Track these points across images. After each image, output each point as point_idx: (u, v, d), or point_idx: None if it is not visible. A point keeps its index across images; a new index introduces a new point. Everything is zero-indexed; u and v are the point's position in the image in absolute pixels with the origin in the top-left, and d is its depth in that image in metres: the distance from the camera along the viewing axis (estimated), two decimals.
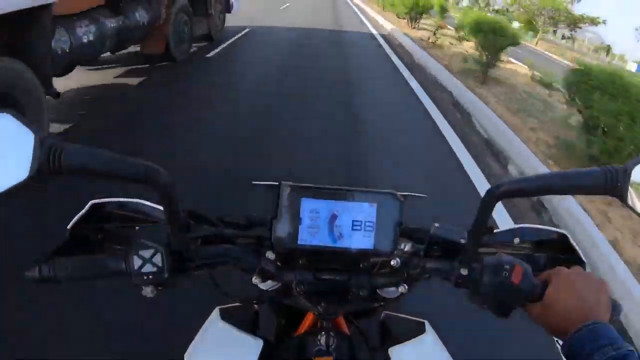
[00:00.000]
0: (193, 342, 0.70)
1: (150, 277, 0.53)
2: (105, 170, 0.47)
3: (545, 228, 0.68)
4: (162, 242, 0.53)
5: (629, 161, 0.49)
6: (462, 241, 0.57)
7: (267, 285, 0.65)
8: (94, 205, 0.65)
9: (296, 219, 0.60)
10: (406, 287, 0.62)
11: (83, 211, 0.64)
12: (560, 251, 0.67)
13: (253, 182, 0.72)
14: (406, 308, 0.79)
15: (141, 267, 0.52)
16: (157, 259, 0.52)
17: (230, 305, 0.76)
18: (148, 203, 0.66)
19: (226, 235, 0.64)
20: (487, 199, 0.51)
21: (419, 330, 0.75)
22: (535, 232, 0.68)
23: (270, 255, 0.61)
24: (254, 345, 0.68)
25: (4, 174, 0.43)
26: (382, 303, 0.68)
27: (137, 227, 0.56)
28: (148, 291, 0.55)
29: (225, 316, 0.74)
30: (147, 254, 0.52)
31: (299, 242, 0.60)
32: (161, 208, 0.54)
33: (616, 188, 0.48)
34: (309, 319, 0.72)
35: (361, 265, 0.64)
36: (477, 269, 0.56)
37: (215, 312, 0.75)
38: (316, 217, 0.60)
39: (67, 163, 0.44)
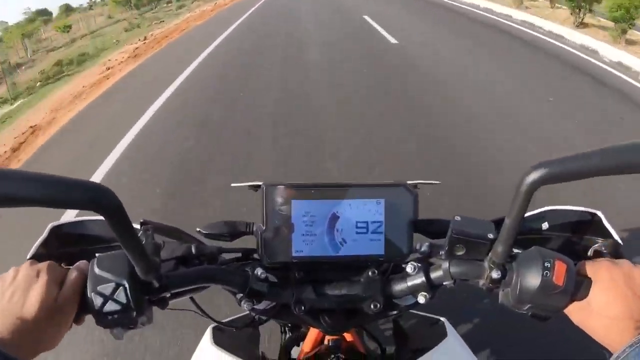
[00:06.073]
0: None
1: (116, 316, 0.43)
2: (33, 196, 0.35)
3: (575, 209, 0.59)
4: (125, 273, 0.43)
5: None
6: (491, 236, 0.47)
7: (261, 305, 0.55)
8: (53, 228, 0.56)
9: (288, 227, 0.50)
10: (427, 295, 0.52)
11: (42, 236, 0.55)
12: (592, 233, 0.58)
13: (232, 185, 0.62)
14: None
15: (102, 306, 0.43)
16: (120, 295, 0.43)
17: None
18: None
19: (205, 252, 0.54)
20: (526, 188, 0.39)
21: (439, 331, 0.67)
22: (564, 214, 0.59)
23: (260, 272, 0.52)
24: None
25: None
26: (397, 312, 0.58)
27: (97, 254, 0.46)
28: (118, 332, 0.45)
29: (219, 336, 0.65)
30: (107, 289, 0.43)
31: (293, 255, 0.51)
32: None
33: None
34: (313, 334, 0.63)
35: (370, 274, 0.54)
36: (511, 270, 0.46)
37: (209, 333, 0.66)
38: (312, 222, 0.51)
39: None
